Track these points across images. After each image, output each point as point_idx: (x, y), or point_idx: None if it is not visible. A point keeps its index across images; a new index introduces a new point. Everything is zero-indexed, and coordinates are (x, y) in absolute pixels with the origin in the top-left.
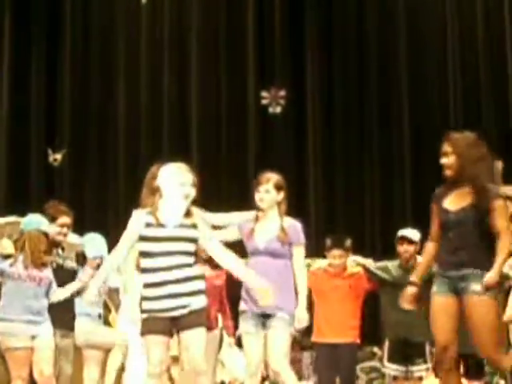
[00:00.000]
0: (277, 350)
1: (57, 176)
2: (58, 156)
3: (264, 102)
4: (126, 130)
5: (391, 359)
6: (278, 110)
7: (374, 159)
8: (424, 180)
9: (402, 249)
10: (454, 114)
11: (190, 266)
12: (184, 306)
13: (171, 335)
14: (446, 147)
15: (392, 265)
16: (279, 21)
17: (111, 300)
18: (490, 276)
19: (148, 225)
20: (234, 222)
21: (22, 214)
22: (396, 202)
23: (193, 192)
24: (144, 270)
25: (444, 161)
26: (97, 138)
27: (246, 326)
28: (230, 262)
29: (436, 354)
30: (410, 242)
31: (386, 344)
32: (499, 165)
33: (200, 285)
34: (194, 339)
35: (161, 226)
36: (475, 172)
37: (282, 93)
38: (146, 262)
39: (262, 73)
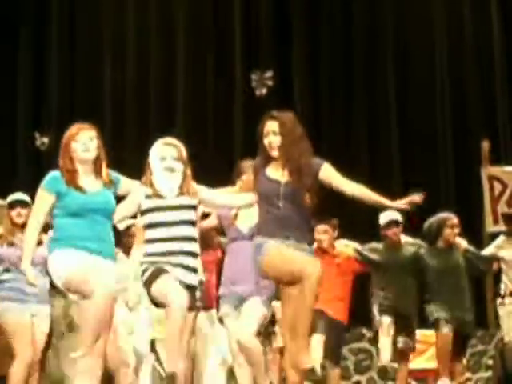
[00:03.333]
0: (246, 326)
1: (44, 160)
2: (46, 140)
3: (252, 84)
4: (112, 111)
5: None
6: (264, 91)
7: (361, 140)
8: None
9: (391, 232)
10: (441, 81)
11: (195, 240)
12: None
13: None
14: (274, 127)
15: (380, 246)
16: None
17: None
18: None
19: (148, 196)
20: (233, 205)
21: None
22: (384, 177)
23: (175, 165)
24: (148, 241)
25: (273, 139)
26: (84, 121)
27: (226, 308)
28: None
29: None
30: (398, 223)
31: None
32: (486, 145)
33: (199, 263)
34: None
35: (159, 196)
36: (298, 151)
37: (269, 74)
38: (151, 233)
39: (249, 55)
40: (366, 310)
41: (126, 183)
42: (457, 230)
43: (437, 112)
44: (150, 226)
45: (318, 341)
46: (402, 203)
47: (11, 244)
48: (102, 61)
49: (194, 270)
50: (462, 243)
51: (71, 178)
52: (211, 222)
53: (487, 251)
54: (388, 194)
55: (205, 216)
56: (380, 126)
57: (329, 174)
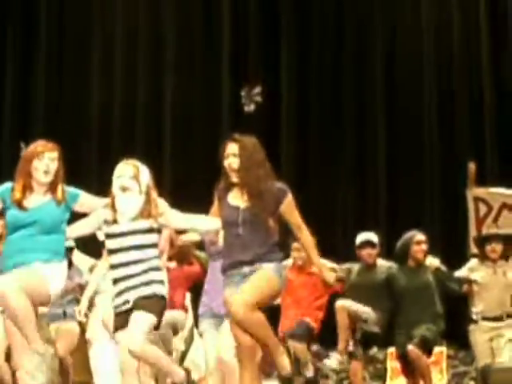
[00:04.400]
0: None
1: None
2: None
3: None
4: (98, 126)
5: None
6: (252, 107)
7: (349, 159)
8: (399, 182)
9: (366, 253)
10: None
11: (143, 261)
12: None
13: None
14: (234, 149)
15: (355, 266)
16: (254, 16)
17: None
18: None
19: (106, 222)
20: (198, 229)
21: None
22: (369, 204)
23: (129, 183)
24: (110, 267)
25: (232, 161)
26: (70, 133)
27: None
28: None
29: None
30: (373, 245)
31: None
32: (472, 167)
33: (152, 275)
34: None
35: (115, 222)
36: (257, 175)
37: (257, 90)
38: (110, 259)
39: (237, 70)
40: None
41: (87, 200)
42: (424, 247)
43: (424, 132)
44: (108, 251)
45: None
46: (331, 279)
47: None
48: (90, 69)
49: (138, 286)
50: (434, 262)
51: (19, 196)
52: (193, 237)
53: (460, 273)
54: (374, 215)
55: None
56: (368, 145)
57: (288, 210)
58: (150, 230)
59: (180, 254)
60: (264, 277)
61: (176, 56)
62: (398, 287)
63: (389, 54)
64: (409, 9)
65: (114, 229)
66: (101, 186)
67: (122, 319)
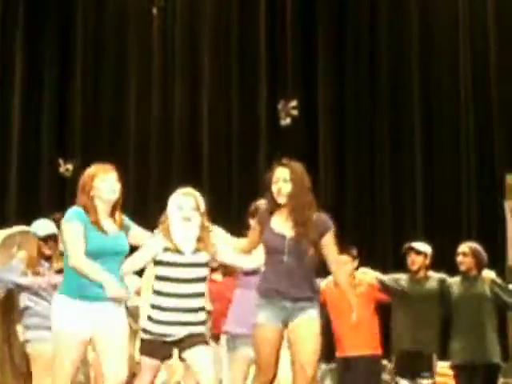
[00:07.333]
0: None
1: (68, 186)
2: (70, 166)
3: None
4: (136, 141)
5: (400, 374)
6: (288, 121)
7: (385, 173)
8: (435, 195)
9: (410, 260)
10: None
11: (203, 295)
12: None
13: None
14: (285, 174)
15: (403, 277)
16: (291, 33)
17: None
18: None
19: (166, 249)
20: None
21: None
22: (407, 213)
23: (192, 214)
24: (158, 293)
25: (282, 186)
26: (108, 149)
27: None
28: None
29: None
30: (417, 252)
31: (394, 358)
32: (510, 178)
33: (204, 316)
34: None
35: (178, 251)
36: (306, 202)
37: (293, 103)
38: (162, 286)
39: (274, 84)
40: (387, 341)
41: (136, 232)
42: (460, 258)
43: (460, 144)
44: (163, 278)
45: None
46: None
47: (37, 273)
48: (128, 91)
49: (192, 323)
50: (490, 275)
51: (96, 217)
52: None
53: None
54: (411, 226)
55: None
56: (405, 158)
57: (328, 244)
58: (207, 264)
59: (227, 269)
60: (317, 338)
61: (212, 69)
62: (453, 296)
63: (425, 75)
64: None
65: (178, 259)
66: (137, 203)
67: (159, 347)
